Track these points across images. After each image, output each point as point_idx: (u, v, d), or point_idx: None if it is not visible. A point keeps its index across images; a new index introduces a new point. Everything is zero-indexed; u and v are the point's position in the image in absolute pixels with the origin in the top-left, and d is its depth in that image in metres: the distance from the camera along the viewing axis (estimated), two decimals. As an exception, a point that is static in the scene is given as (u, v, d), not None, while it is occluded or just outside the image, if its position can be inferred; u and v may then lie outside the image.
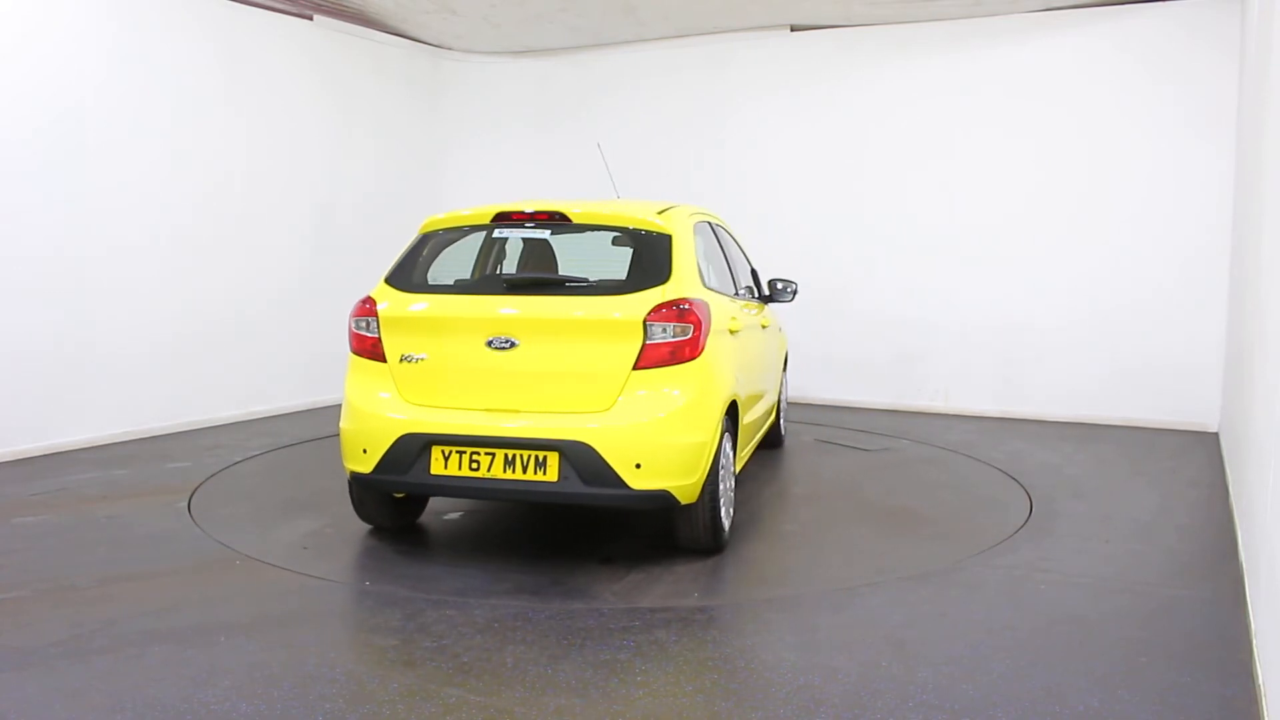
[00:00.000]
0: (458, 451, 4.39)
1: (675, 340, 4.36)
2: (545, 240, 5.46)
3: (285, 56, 8.29)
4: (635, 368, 4.33)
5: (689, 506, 4.46)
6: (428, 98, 9.91)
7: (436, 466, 4.41)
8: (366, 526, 5.07)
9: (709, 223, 5.69)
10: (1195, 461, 6.78)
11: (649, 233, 4.72)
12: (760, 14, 8.73)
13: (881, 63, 8.73)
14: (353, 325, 4.73)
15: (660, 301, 4.39)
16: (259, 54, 8.03)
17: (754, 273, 6.38)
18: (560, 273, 5.18)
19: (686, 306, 4.42)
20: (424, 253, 4.93)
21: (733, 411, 4.86)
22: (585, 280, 4.60)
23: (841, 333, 8.87)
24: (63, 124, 6.61)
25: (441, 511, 5.45)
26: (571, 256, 5.37)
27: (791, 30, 9.01)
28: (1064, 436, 7.62)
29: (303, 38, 8.43)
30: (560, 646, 3.60)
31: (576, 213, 4.78)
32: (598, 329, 4.39)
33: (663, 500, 4.32)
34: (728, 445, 4.76)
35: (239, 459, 6.56)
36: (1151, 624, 3.85)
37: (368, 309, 4.68)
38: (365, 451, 4.52)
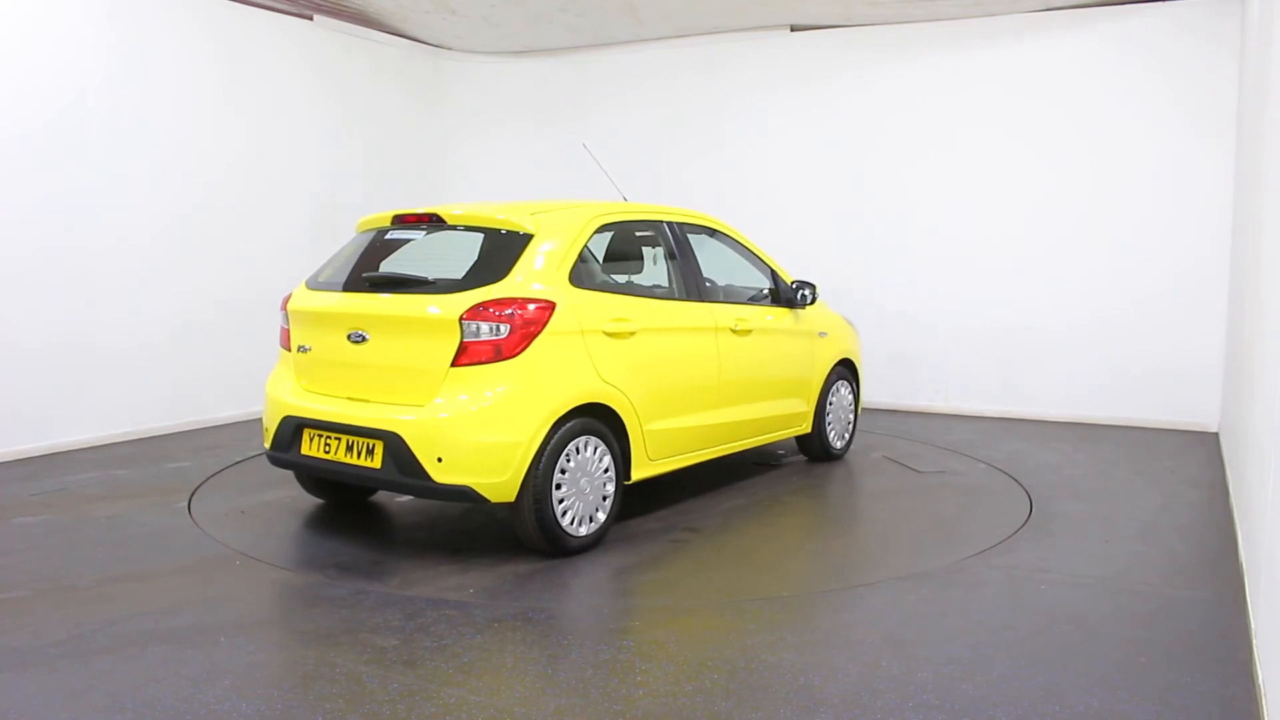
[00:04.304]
0: (318, 435, 4.77)
1: (497, 339, 4.41)
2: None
3: (285, 56, 8.28)
4: (454, 364, 4.42)
5: (514, 506, 4.50)
6: (427, 98, 9.91)
7: (304, 447, 4.82)
8: (316, 501, 5.54)
9: (669, 223, 5.61)
10: (1195, 461, 6.78)
11: (506, 232, 4.81)
12: (760, 14, 8.73)
13: (881, 63, 8.73)
14: (280, 319, 5.24)
15: (481, 300, 4.46)
16: (259, 54, 8.03)
17: (774, 275, 6.24)
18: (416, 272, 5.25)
19: (507, 307, 4.45)
20: (348, 252, 5.24)
21: (605, 415, 4.79)
22: (436, 279, 4.75)
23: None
24: (63, 122, 6.61)
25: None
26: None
27: (791, 30, 9.01)
28: (1064, 437, 7.61)
29: (303, 38, 8.43)
30: (559, 646, 3.61)
31: (450, 214, 4.97)
32: (422, 326, 4.53)
33: (466, 496, 4.40)
34: (592, 449, 4.71)
35: (239, 459, 6.56)
36: (1151, 624, 3.85)
37: (284, 305, 5.18)
38: (267, 430, 5.05)
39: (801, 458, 6.85)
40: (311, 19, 8.46)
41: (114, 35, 6.92)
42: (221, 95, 7.73)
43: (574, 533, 4.65)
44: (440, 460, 4.35)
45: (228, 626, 3.75)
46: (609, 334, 4.85)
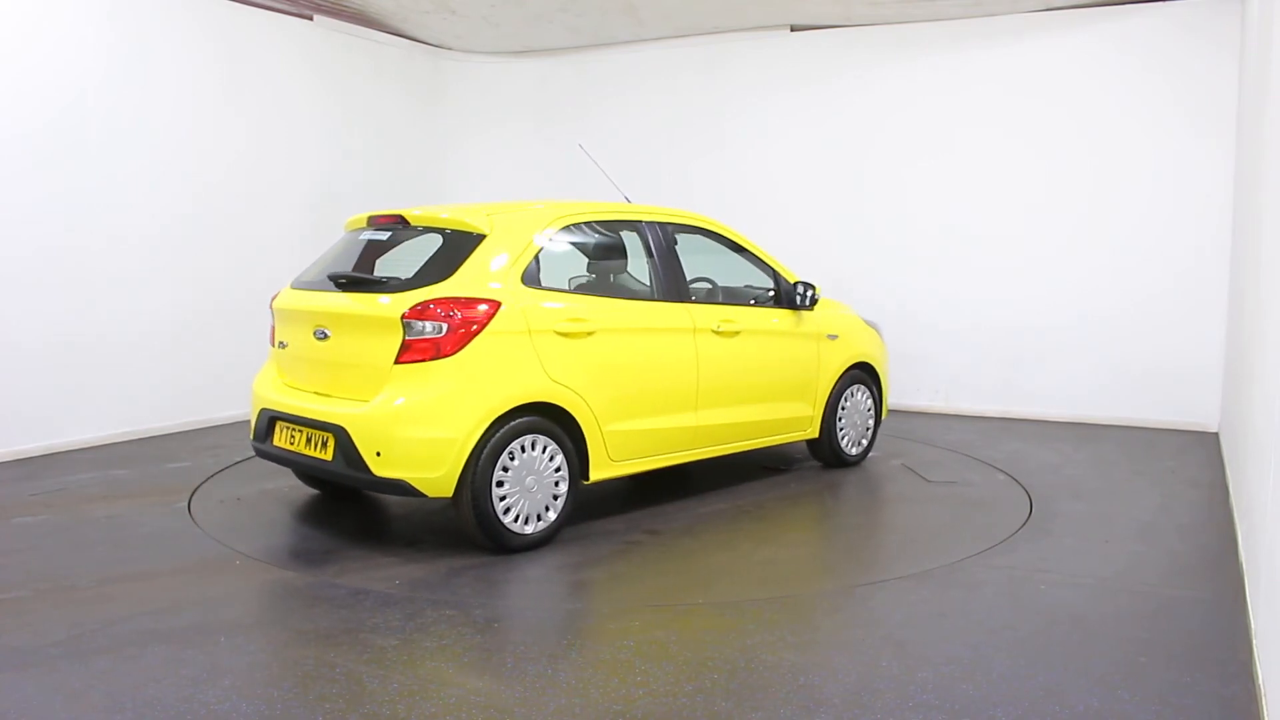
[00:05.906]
0: (286, 427, 4.93)
1: (436, 337, 4.47)
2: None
3: (285, 56, 8.28)
4: (397, 361, 4.50)
5: (453, 502, 4.57)
6: (427, 98, 9.91)
7: (275, 439, 5.00)
8: (309, 492, 5.73)
9: (649, 223, 5.51)
10: (1195, 461, 6.78)
11: (460, 232, 4.86)
12: (760, 14, 8.72)
13: (881, 63, 8.73)
14: (269, 317, 5.40)
15: (423, 299, 4.53)
16: (259, 54, 8.03)
17: (776, 276, 6.11)
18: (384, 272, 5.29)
19: (448, 307, 4.50)
20: (334, 252, 5.36)
21: (558, 414, 4.78)
22: (393, 279, 4.81)
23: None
24: (63, 122, 6.61)
25: None
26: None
27: (791, 30, 9.01)
28: (1064, 437, 7.61)
29: (303, 38, 8.43)
30: (559, 646, 3.61)
31: (412, 215, 5.07)
32: (370, 324, 4.64)
33: (403, 489, 4.49)
34: (540, 448, 4.70)
35: (238, 459, 6.56)
36: (1151, 624, 3.85)
37: (271, 303, 5.33)
38: (250, 422, 5.25)
39: (818, 463, 6.66)
40: (311, 19, 8.46)
41: (114, 35, 6.91)
42: (221, 95, 7.72)
43: (518, 530, 4.64)
44: (379, 454, 4.44)
45: (228, 626, 3.75)
46: (562, 334, 4.82)
